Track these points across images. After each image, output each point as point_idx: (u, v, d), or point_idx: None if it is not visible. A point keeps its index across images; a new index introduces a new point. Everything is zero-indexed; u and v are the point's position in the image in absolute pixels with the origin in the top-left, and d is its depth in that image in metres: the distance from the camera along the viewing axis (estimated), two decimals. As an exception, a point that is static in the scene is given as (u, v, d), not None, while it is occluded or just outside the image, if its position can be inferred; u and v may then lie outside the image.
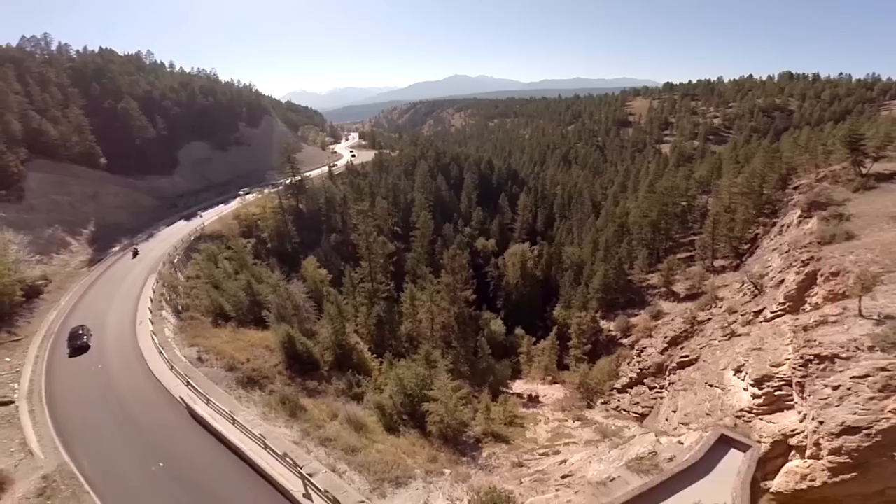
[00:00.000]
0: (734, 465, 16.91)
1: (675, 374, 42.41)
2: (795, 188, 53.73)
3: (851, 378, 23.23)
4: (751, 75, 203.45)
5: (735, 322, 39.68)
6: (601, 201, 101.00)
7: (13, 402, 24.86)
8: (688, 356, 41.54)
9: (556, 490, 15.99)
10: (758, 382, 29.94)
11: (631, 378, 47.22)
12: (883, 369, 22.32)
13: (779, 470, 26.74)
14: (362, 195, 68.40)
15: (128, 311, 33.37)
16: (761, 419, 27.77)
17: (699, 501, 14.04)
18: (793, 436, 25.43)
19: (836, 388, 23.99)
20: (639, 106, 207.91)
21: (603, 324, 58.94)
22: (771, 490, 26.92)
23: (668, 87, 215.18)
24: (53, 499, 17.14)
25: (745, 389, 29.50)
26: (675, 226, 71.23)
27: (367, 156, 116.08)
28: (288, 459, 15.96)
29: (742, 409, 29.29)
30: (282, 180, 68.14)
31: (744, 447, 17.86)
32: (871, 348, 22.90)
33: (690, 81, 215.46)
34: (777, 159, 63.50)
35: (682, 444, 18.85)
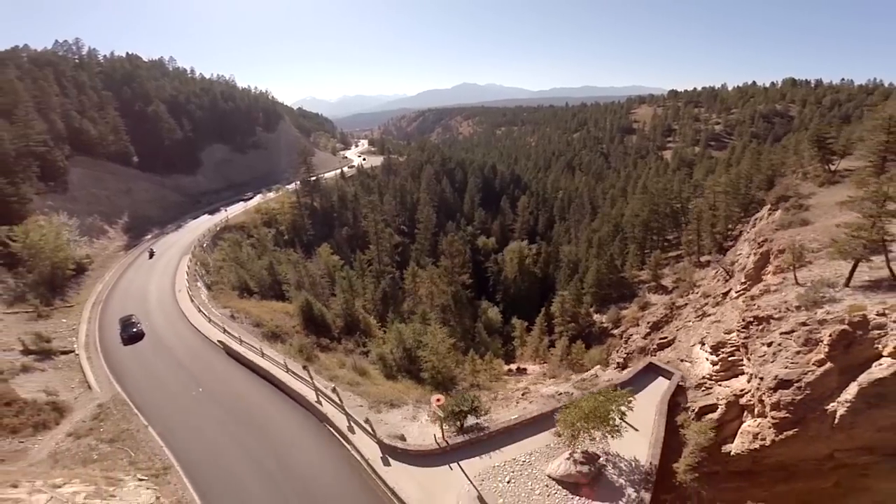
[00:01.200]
0: (661, 388, 20.87)
1: (654, 355, 46.15)
2: (778, 186, 57.80)
3: (781, 334, 27.36)
4: (754, 82, 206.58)
5: (706, 304, 43.70)
6: (600, 205, 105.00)
7: (73, 352, 29.79)
8: (666, 338, 45.30)
9: (517, 403, 20.10)
10: (714, 349, 34.24)
11: (618, 363, 50.96)
12: (803, 324, 26.42)
13: (736, 433, 30.77)
14: (371, 192, 73.53)
15: (167, 283, 38.51)
16: (720, 385, 31.88)
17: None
18: (742, 395, 29.50)
19: (769, 344, 28.15)
20: (643, 113, 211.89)
21: (596, 317, 62.82)
22: (731, 453, 30.80)
23: (673, 94, 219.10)
24: (106, 420, 21.45)
25: (707, 359, 33.62)
26: (667, 225, 75.00)
27: (377, 161, 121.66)
28: (305, 374, 20.36)
29: (703, 377, 33.43)
30: (296, 182, 73.68)
31: (668, 374, 21.83)
32: (797, 308, 26.99)
33: (695, 89, 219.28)
34: (763, 161, 67.33)
35: (621, 372, 22.92)
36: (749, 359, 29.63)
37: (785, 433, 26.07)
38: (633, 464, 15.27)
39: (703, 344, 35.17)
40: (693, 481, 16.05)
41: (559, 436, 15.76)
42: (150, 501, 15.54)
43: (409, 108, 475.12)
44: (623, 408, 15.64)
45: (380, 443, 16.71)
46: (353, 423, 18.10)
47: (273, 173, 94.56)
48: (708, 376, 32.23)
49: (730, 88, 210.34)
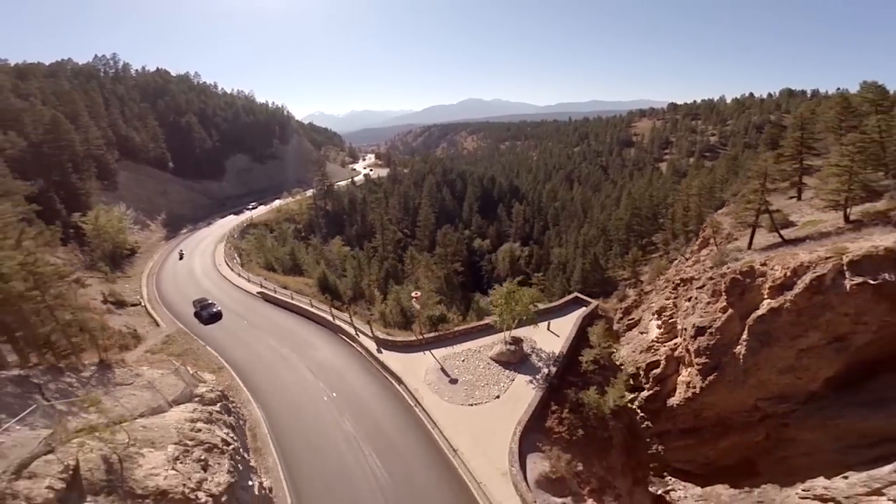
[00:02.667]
0: (581, 311, 28.26)
1: (624, 335, 53.71)
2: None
3: (697, 289, 35.17)
4: (752, 93, 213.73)
5: (667, 287, 51.58)
6: (592, 213, 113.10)
7: (140, 304, 38.31)
8: (633, 318, 52.97)
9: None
10: (658, 314, 42.54)
11: None
12: (711, 278, 34.08)
13: (676, 388, 38.34)
14: (378, 194, 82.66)
15: (208, 260, 47.45)
16: (664, 345, 39.66)
17: (549, 323, 25.65)
18: (676, 349, 37.22)
19: (689, 299, 36.05)
20: (643, 126, 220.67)
21: None
22: (674, 405, 37.99)
23: (672, 107, 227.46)
24: (173, 343, 29.57)
25: (655, 326, 41.45)
26: (648, 228, 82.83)
27: (383, 172, 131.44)
28: (324, 306, 28.49)
29: (652, 341, 41.39)
30: (313, 187, 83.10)
31: (587, 303, 29.38)
32: (710, 268, 34.78)
33: (694, 101, 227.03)
34: (739, 166, 75.49)
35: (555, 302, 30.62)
36: (677, 315, 37.80)
37: (708, 378, 33.83)
38: (551, 355, 22.94)
39: (653, 314, 43.27)
40: (591, 372, 23.34)
41: (496, 324, 23.43)
42: (212, 378, 23.61)
43: (415, 124, 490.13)
44: (538, 302, 23.37)
45: (376, 339, 24.98)
46: (357, 332, 26.33)
47: (288, 182, 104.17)
48: (655, 339, 40.40)
49: (728, 100, 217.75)
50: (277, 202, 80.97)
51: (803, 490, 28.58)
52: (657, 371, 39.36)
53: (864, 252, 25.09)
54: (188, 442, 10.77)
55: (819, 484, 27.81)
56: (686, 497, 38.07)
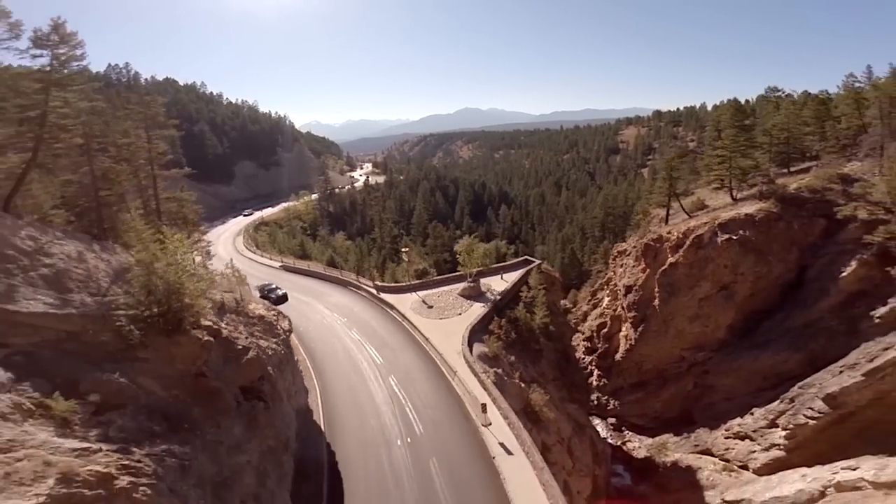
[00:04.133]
0: (528, 268, 37.55)
1: (590, 312, 62.87)
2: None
3: (626, 257, 44.53)
4: (735, 98, 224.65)
5: (613, 264, 61.23)
6: (575, 214, 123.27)
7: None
8: (599, 299, 62.29)
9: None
10: (606, 284, 52.07)
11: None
12: (634, 247, 43.57)
13: (619, 344, 47.65)
14: (377, 193, 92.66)
15: (230, 248, 56.94)
16: (609, 309, 49.13)
17: (503, 276, 35.00)
18: (616, 309, 46.81)
19: (622, 266, 45.58)
20: (629, 134, 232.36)
21: (562, 303, 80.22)
22: (620, 359, 47.14)
23: (657, 114, 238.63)
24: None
25: (606, 295, 50.88)
26: (620, 224, 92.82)
27: (380, 180, 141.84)
28: (336, 270, 37.92)
29: (604, 308, 50.99)
30: (314, 194, 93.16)
31: (532, 262, 38.75)
32: (638, 239, 44.40)
33: (678, 108, 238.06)
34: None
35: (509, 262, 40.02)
36: (616, 280, 47.55)
37: (639, 329, 43.52)
38: (500, 292, 32.26)
39: (604, 286, 52.80)
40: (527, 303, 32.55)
41: (462, 270, 32.90)
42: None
43: (411, 133, 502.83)
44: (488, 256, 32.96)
45: (375, 286, 34.71)
46: (362, 283, 35.75)
47: (291, 187, 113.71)
48: (605, 307, 50.14)
49: (709, 107, 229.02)
50: (283, 205, 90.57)
51: (725, 430, 38.15)
52: (605, 330, 49.26)
53: (730, 217, 35.11)
54: (271, 312, 19.69)
55: (735, 423, 37.56)
56: (640, 447, 47.43)
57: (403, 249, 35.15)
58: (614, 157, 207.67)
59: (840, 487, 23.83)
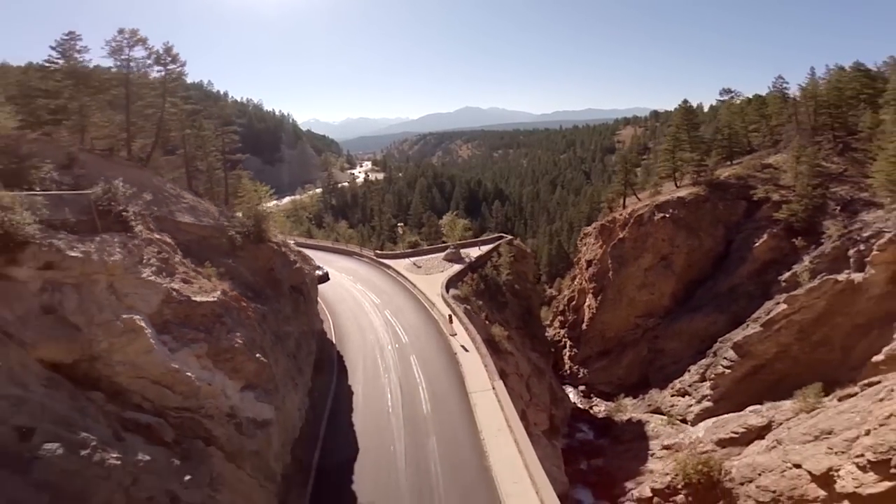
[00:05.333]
0: (502, 240, 46.28)
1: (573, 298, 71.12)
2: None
3: (590, 237, 53.14)
4: (731, 97, 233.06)
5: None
6: (566, 210, 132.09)
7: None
8: (573, 278, 70.61)
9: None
10: (576, 263, 60.40)
11: (554, 313, 76.63)
12: (594, 228, 52.18)
13: (585, 314, 55.87)
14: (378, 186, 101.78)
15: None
16: (581, 286, 57.55)
17: (481, 247, 43.78)
18: (582, 283, 55.37)
19: (586, 245, 54.15)
20: (626, 134, 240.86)
21: (548, 290, 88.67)
22: (585, 328, 55.45)
23: (654, 114, 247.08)
24: None
25: (578, 271, 59.20)
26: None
27: (380, 176, 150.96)
28: (343, 244, 46.77)
29: (576, 283, 59.33)
30: (317, 189, 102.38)
31: (505, 237, 47.45)
32: (595, 227, 52.85)
33: (675, 108, 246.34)
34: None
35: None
36: (582, 256, 56.00)
37: (598, 298, 52.04)
38: (475, 257, 40.93)
39: (576, 265, 61.22)
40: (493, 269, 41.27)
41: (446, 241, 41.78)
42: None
43: (411, 132, 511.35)
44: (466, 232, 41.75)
45: (375, 254, 43.53)
46: (363, 253, 44.57)
47: (294, 183, 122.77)
48: (575, 283, 58.80)
49: (706, 107, 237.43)
50: (289, 198, 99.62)
51: (671, 389, 46.42)
52: (574, 303, 57.97)
53: (665, 199, 43.84)
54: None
55: (678, 382, 45.88)
56: (604, 409, 55.62)
57: (399, 224, 44.03)
58: (610, 157, 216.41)
59: (744, 425, 32.27)
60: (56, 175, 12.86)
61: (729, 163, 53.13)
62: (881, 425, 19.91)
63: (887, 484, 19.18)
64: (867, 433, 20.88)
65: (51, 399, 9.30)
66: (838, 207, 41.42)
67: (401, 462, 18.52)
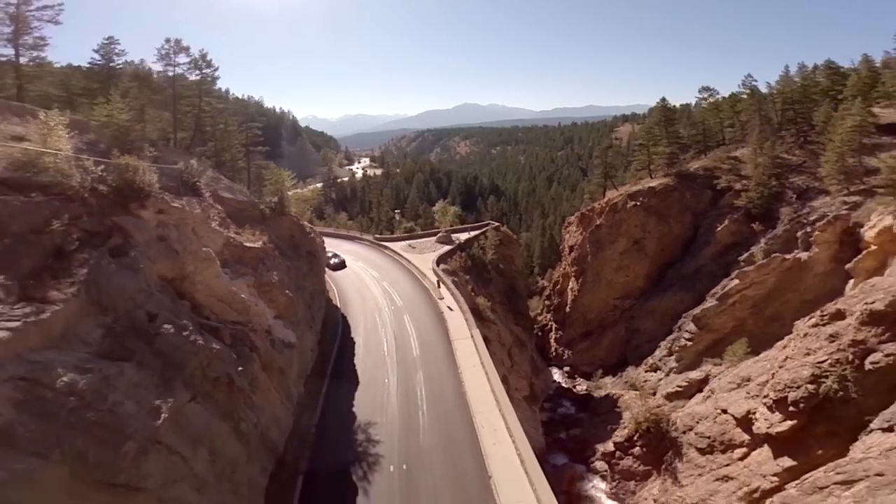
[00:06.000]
0: (489, 227, 51.67)
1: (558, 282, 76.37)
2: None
3: (572, 225, 58.35)
4: (733, 94, 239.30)
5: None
6: (560, 205, 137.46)
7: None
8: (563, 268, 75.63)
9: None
10: (570, 249, 65.52)
11: (545, 304, 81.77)
12: (576, 217, 57.58)
13: (568, 297, 61.21)
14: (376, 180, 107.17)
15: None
16: (565, 270, 62.68)
17: (470, 232, 49.13)
18: (566, 267, 60.76)
19: (569, 232, 59.63)
20: (625, 131, 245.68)
21: (541, 281, 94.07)
22: (568, 310, 60.79)
23: (651, 112, 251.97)
24: None
25: (563, 257, 64.66)
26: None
27: (378, 172, 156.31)
28: (344, 230, 52.16)
29: (563, 269, 64.67)
30: (318, 184, 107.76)
31: (492, 223, 52.85)
32: (577, 216, 58.14)
33: (674, 106, 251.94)
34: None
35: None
36: (565, 243, 61.53)
37: (579, 281, 57.34)
38: (464, 240, 46.30)
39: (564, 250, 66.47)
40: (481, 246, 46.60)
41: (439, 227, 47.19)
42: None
43: (409, 129, 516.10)
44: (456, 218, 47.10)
45: (374, 237, 48.78)
46: (364, 237, 49.97)
47: (294, 179, 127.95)
48: (562, 269, 63.99)
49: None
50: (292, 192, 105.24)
51: (644, 365, 51.45)
52: (558, 287, 63.28)
53: (637, 189, 49.16)
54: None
55: (650, 358, 50.76)
56: (584, 387, 60.69)
57: (395, 211, 49.43)
58: (607, 154, 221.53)
59: (686, 379, 37.68)
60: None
61: (704, 156, 58.46)
62: (780, 367, 25.16)
63: (789, 423, 24.00)
64: (772, 376, 26.13)
65: (163, 299, 14.63)
66: (795, 195, 46.79)
67: (393, 390, 23.92)
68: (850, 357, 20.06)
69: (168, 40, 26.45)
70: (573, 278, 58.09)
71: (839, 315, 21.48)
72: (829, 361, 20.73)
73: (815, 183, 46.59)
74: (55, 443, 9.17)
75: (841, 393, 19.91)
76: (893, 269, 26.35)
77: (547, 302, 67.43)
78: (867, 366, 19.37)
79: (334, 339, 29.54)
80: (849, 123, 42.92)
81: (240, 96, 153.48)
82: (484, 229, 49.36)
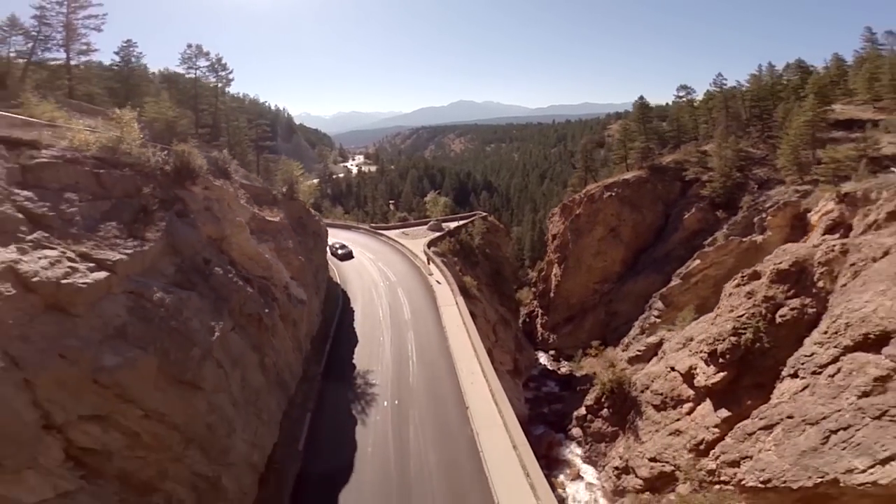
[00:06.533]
0: (477, 216, 56.48)
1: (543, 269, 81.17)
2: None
3: (555, 216, 63.29)
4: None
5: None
6: (550, 200, 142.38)
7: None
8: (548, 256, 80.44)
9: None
10: (553, 238, 70.11)
11: (534, 292, 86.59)
12: (559, 208, 62.62)
13: (552, 283, 66.30)
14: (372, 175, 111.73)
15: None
16: (549, 258, 67.62)
17: (459, 221, 53.82)
18: (549, 255, 65.69)
19: (552, 222, 64.39)
20: (616, 128, 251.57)
21: (531, 273, 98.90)
22: (552, 296, 65.77)
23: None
24: None
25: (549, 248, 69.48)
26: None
27: (373, 168, 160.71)
28: (342, 220, 56.69)
29: (545, 257, 69.66)
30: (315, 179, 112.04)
31: (479, 214, 57.70)
32: (560, 207, 63.03)
33: (666, 104, 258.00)
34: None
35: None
36: (549, 234, 66.41)
37: (562, 267, 62.31)
38: (453, 227, 51.00)
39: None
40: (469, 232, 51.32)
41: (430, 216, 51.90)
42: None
43: (404, 126, 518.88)
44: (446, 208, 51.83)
45: (370, 226, 53.32)
46: (360, 226, 54.52)
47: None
48: (547, 257, 68.85)
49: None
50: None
51: (621, 345, 56.03)
52: (543, 273, 68.10)
53: (612, 181, 53.91)
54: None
55: (626, 338, 55.33)
56: (567, 368, 65.17)
57: (390, 202, 54.04)
58: (599, 151, 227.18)
59: (645, 344, 42.43)
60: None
61: (677, 151, 63.52)
62: (711, 324, 29.91)
63: (721, 374, 28.51)
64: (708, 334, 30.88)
65: (212, 251, 19.16)
66: (756, 185, 51.89)
67: (387, 345, 28.57)
68: (763, 311, 24.82)
69: (190, 45, 30.95)
70: (556, 265, 62.91)
71: (755, 275, 26.31)
72: (745, 316, 25.50)
73: (775, 174, 51.72)
74: (151, 340, 13.60)
75: (758, 344, 24.64)
76: (810, 238, 31.21)
77: (534, 289, 72.25)
78: (777, 319, 24.13)
79: (335, 308, 34.11)
80: (802, 119, 47.99)
81: (235, 94, 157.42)
82: (472, 218, 54.05)
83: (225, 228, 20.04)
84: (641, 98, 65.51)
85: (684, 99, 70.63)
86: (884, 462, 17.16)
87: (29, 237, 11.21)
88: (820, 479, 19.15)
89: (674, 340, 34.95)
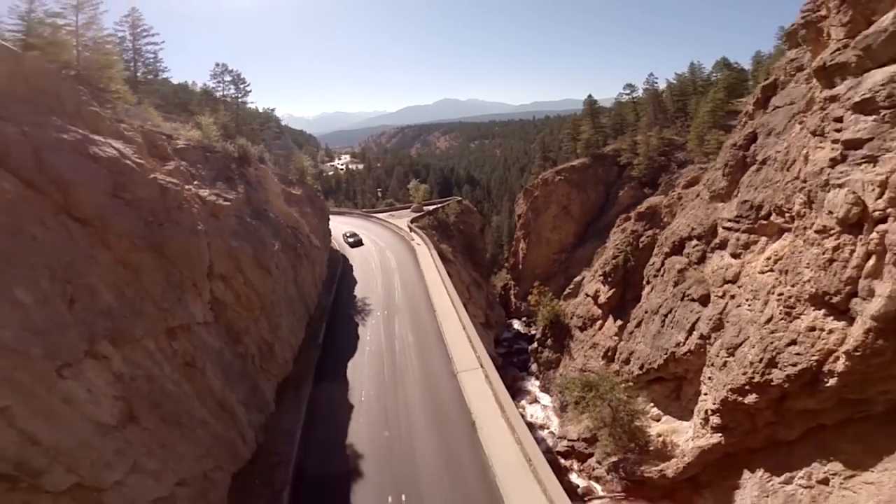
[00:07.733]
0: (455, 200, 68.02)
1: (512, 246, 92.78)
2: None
3: (521, 199, 74.55)
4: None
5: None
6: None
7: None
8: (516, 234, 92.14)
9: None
10: (519, 217, 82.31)
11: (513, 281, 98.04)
12: (526, 193, 73.87)
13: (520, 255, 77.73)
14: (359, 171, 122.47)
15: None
16: (516, 235, 79.15)
17: (438, 205, 65.09)
18: (516, 232, 77.23)
19: (518, 205, 75.75)
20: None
21: (507, 255, 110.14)
22: (521, 267, 77.09)
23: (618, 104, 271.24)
24: None
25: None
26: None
27: (360, 166, 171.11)
28: (339, 207, 67.55)
29: (515, 235, 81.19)
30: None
31: (452, 198, 69.25)
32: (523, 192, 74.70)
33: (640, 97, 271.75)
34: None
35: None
36: (516, 214, 77.95)
37: (526, 242, 74.11)
38: (432, 209, 62.26)
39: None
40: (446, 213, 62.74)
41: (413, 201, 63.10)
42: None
43: (389, 125, 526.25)
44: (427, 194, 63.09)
45: (363, 211, 64.18)
46: (354, 211, 65.53)
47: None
48: (516, 235, 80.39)
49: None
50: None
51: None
52: (513, 248, 79.43)
53: (562, 167, 65.41)
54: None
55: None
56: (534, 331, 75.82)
57: (378, 189, 65.13)
58: (545, 141, 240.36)
59: (575, 282, 54.26)
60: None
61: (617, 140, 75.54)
62: (604, 255, 41.63)
63: (612, 290, 40.12)
64: (618, 269, 42.70)
65: (265, 205, 30.19)
66: (676, 166, 63.98)
67: (379, 283, 39.97)
68: (631, 240, 36.60)
69: (217, 64, 41.67)
70: (522, 240, 74.48)
71: (628, 218, 38.14)
72: (621, 245, 37.33)
73: (690, 156, 63.88)
74: (249, 239, 24.64)
75: (629, 263, 36.32)
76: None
77: (507, 264, 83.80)
78: (639, 245, 35.90)
79: (337, 266, 45.27)
80: (704, 109, 60.14)
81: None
82: (448, 201, 65.40)
83: (269, 194, 31.08)
84: (590, 96, 77.39)
85: (627, 96, 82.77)
86: (689, 331, 27.40)
87: (192, 182, 22.13)
88: (665, 357, 28.91)
89: (589, 274, 46.78)
